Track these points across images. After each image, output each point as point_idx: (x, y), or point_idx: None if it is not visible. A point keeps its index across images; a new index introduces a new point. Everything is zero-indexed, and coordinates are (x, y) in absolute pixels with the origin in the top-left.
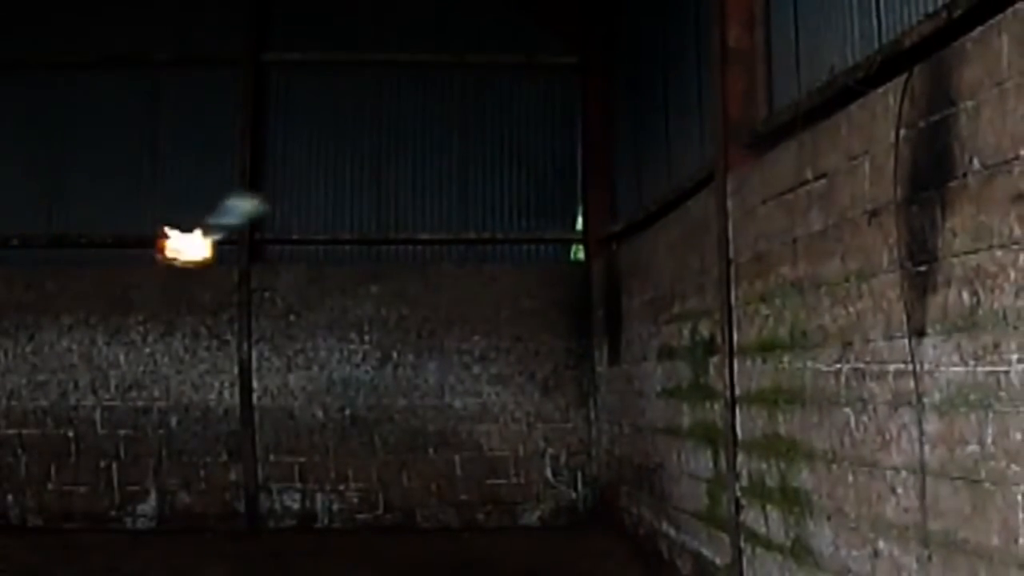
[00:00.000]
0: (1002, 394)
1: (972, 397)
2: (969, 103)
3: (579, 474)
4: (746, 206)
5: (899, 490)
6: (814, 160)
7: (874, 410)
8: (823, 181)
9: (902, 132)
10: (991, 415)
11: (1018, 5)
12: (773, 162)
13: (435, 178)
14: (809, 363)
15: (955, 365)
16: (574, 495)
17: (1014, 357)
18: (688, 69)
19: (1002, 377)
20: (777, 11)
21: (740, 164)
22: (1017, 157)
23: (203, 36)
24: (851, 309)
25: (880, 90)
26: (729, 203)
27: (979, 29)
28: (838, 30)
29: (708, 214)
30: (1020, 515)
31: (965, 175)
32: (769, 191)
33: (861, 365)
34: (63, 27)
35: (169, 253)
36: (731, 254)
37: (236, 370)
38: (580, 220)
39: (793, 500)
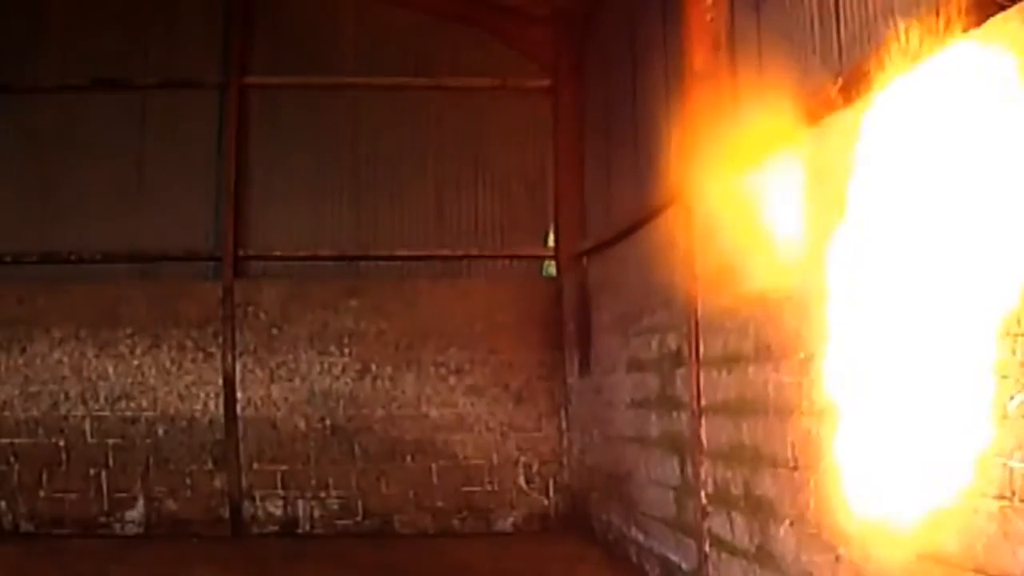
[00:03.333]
0: None
1: None
2: None
3: (551, 482)
4: (712, 224)
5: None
6: (778, 179)
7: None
8: (786, 199)
9: None
10: None
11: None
12: (739, 181)
13: (412, 196)
14: (772, 374)
15: None
16: (546, 502)
17: None
18: (656, 92)
19: None
20: (741, 37)
21: (707, 183)
22: None
23: (187, 61)
24: (812, 322)
25: (841, 112)
26: (696, 221)
27: None
28: (800, 55)
29: (676, 231)
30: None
31: None
32: (735, 210)
33: (821, 375)
34: (52, 52)
35: None
36: (697, 270)
37: (221, 381)
38: (552, 237)
39: (757, 507)
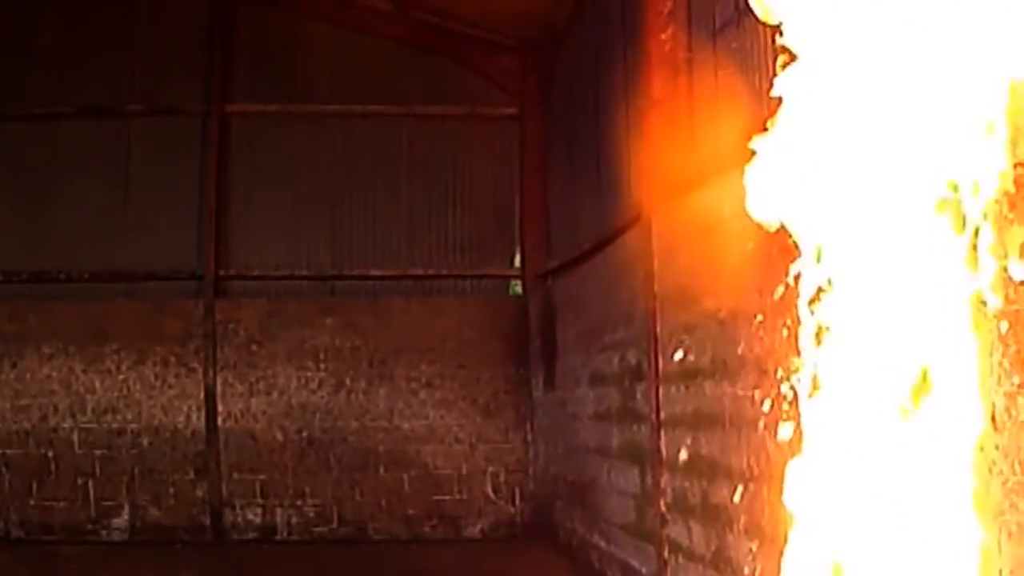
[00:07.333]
0: None
1: None
2: None
3: (517, 491)
4: (671, 244)
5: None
6: (734, 200)
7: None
8: (742, 219)
9: None
10: None
11: None
12: (696, 203)
13: (385, 219)
14: (728, 389)
15: None
16: (512, 510)
17: None
18: (617, 117)
19: None
20: (698, 63)
21: (666, 205)
22: None
23: (171, 89)
24: (766, 338)
25: None
26: (655, 241)
27: None
28: (755, 79)
29: (636, 251)
30: None
31: None
32: (692, 230)
33: (776, 390)
34: (41, 82)
35: None
36: (656, 288)
37: (202, 395)
38: (518, 257)
39: (714, 515)
